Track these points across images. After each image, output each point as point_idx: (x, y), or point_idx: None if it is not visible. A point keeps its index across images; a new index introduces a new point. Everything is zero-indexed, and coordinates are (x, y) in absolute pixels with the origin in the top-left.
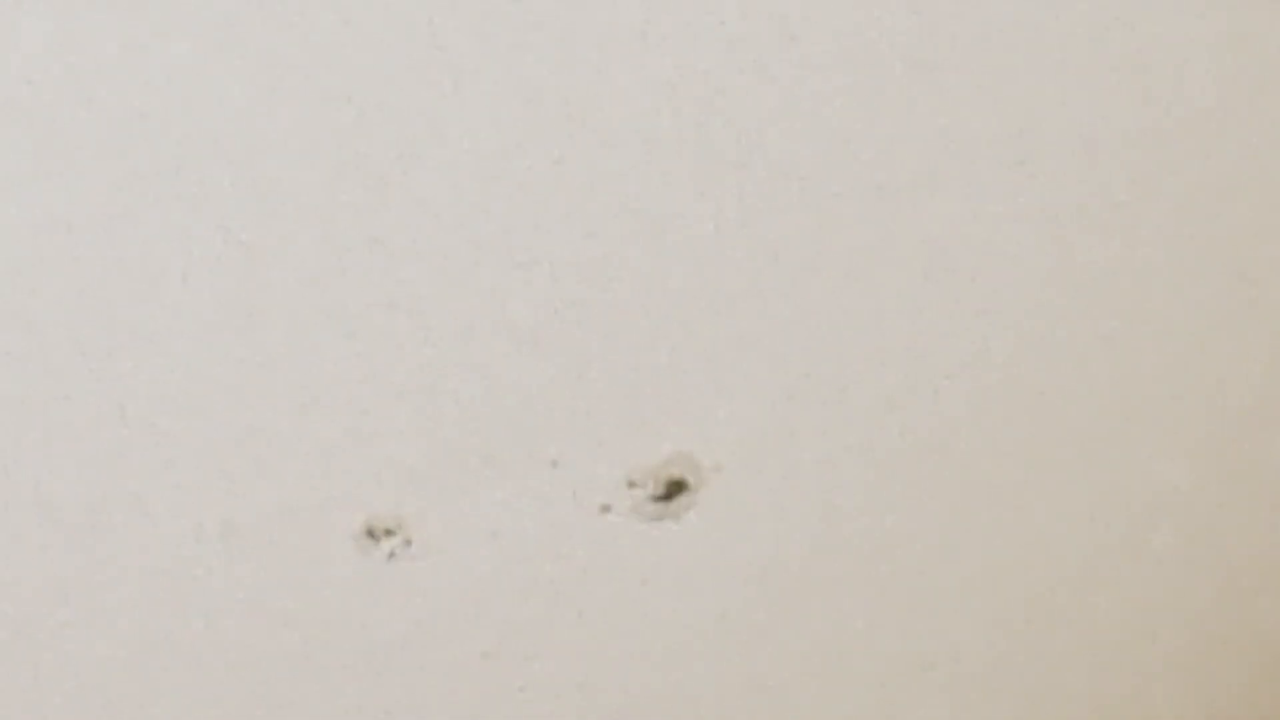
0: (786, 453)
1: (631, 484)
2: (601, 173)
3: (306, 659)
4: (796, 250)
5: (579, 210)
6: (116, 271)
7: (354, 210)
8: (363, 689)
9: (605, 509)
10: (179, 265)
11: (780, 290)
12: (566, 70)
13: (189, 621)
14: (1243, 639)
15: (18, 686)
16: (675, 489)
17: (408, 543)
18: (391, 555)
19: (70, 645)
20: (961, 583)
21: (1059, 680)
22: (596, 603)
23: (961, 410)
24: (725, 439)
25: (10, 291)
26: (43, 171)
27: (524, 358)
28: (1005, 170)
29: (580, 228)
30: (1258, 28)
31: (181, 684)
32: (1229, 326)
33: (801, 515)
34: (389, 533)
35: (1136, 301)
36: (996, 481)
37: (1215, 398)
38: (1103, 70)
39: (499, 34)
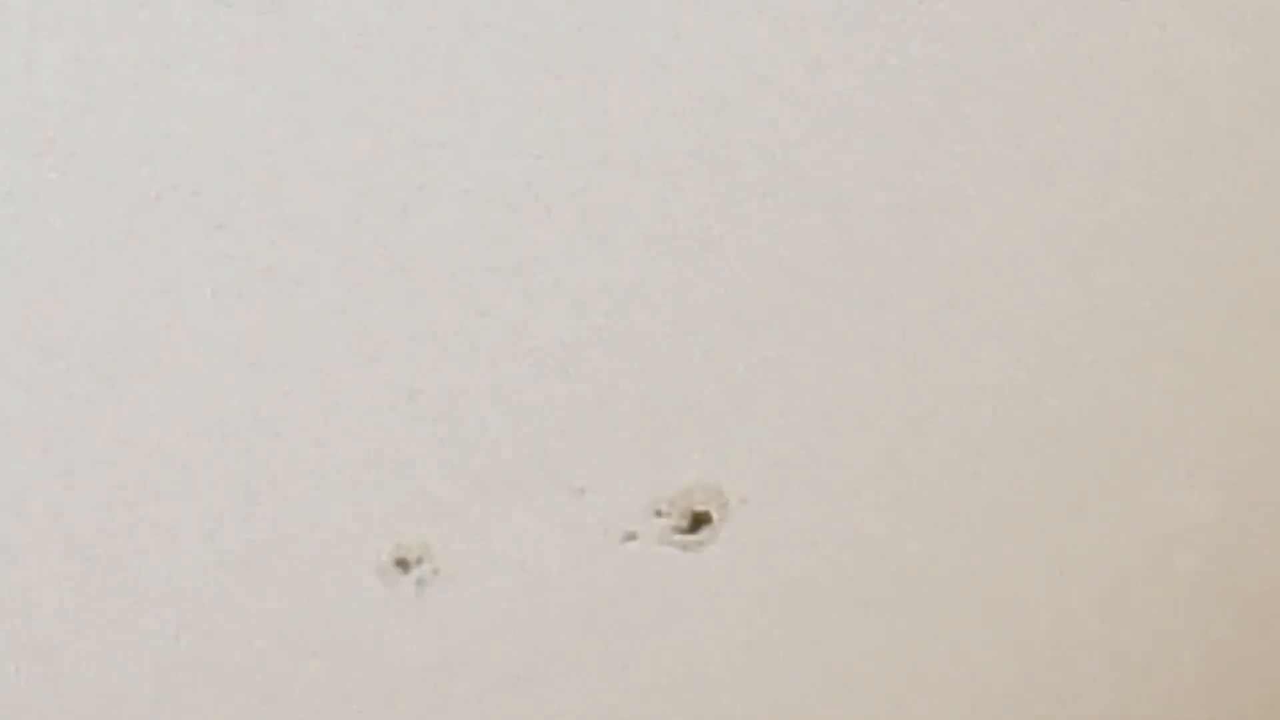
0: (811, 480)
1: (657, 512)
2: (625, 199)
3: (333, 688)
4: (821, 277)
5: (603, 237)
6: (138, 298)
7: (377, 237)
8: (389, 718)
9: (631, 537)
10: (200, 291)
11: (804, 317)
12: (591, 97)
13: (214, 651)
14: (1267, 666)
15: (40, 715)
16: (701, 517)
17: (435, 571)
18: (420, 584)
19: (92, 674)
20: (984, 609)
21: (1082, 705)
22: (623, 630)
23: (985, 436)
24: (750, 467)
25: (31, 318)
26: (62, 197)
27: (549, 385)
28: (1028, 195)
29: (604, 255)
30: None
31: (206, 714)
32: (1254, 352)
33: (827, 542)
34: (418, 561)
35: (1160, 326)
36: (1020, 507)
37: (1239, 423)
38: (1126, 93)
39: (521, 61)
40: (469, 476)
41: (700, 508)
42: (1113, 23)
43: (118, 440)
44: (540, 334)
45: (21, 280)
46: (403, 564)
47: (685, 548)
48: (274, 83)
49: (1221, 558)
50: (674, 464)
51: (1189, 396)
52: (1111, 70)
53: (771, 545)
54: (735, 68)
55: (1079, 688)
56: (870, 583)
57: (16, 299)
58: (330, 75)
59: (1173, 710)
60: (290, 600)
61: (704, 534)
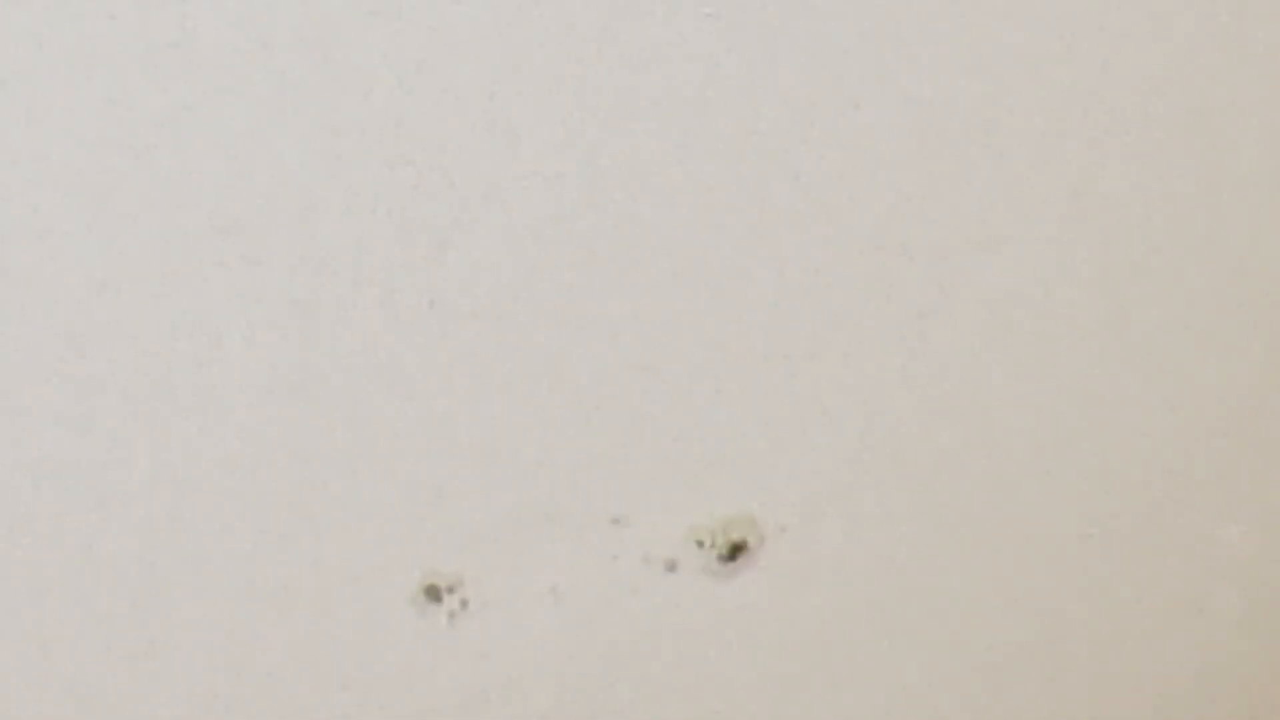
0: (848, 512)
1: (695, 543)
2: (661, 233)
3: (363, 716)
4: (858, 311)
5: (639, 271)
6: (173, 333)
7: (413, 272)
8: None
9: (668, 568)
10: (237, 327)
11: (840, 349)
12: (628, 132)
13: (246, 679)
14: None
15: None
16: (738, 548)
17: (466, 602)
18: (451, 615)
19: (127, 703)
20: (1022, 642)
21: None
22: (659, 662)
23: (1023, 470)
24: (787, 498)
25: (65, 354)
26: (98, 234)
27: (585, 416)
28: (1065, 230)
29: (640, 286)
30: None
31: None
32: None
33: (863, 571)
34: (450, 591)
35: (1197, 362)
36: (1058, 542)
37: (1276, 459)
38: (1159, 129)
39: (557, 98)
40: (503, 507)
41: (737, 537)
42: (1148, 58)
43: (153, 473)
44: (576, 365)
45: (59, 316)
46: (435, 593)
47: (723, 576)
48: (312, 121)
49: (1259, 595)
50: (711, 495)
51: (1228, 432)
52: (1146, 108)
53: (808, 574)
54: (772, 104)
55: (1117, 718)
56: (906, 613)
57: (55, 335)
58: (368, 114)
59: None
60: (322, 628)
61: (741, 563)
